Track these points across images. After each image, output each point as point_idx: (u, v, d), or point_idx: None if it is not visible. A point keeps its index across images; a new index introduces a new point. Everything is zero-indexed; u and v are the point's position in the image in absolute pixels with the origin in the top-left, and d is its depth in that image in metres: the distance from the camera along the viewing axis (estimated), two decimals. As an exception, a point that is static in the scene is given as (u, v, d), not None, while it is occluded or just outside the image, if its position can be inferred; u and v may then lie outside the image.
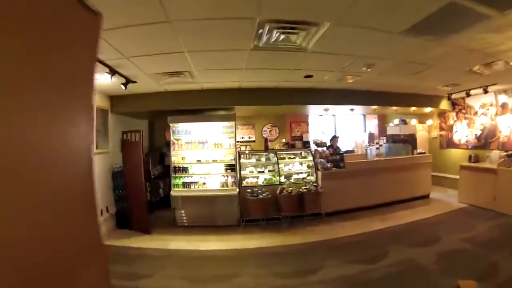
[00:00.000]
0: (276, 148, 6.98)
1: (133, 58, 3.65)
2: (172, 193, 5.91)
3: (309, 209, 5.65)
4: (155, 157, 7.76)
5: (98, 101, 5.56)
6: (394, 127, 9.05)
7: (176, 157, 6.21)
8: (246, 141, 8.93)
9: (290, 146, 6.71)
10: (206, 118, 6.32)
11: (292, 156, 6.44)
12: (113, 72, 3.99)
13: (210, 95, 5.79)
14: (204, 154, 6.20)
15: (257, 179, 6.12)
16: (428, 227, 5.29)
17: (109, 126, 5.95)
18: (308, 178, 6.16)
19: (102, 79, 4.17)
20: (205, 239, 5.17)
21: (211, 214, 5.78)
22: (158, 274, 3.95)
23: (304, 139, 7.17)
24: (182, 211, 5.89)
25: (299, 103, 6.29)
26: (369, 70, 4.51)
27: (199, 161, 6.16)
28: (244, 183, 6.01)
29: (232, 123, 6.16)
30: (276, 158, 6.25)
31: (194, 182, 6.00)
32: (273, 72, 4.62)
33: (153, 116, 7.59)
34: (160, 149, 7.79)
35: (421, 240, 4.59)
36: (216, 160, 6.13)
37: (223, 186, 5.95)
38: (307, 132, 8.32)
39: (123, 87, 4.67)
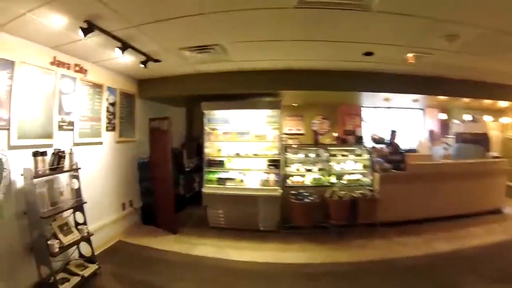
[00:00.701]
0: (327, 143, 6.01)
1: (144, 26, 2.97)
2: (204, 189, 5.23)
3: (363, 218, 4.68)
4: (191, 148, 7.18)
5: (122, 84, 5.02)
6: (460, 124, 7.66)
7: (211, 149, 5.52)
8: (294, 134, 7.96)
9: (342, 141, 5.72)
10: (247, 105, 5.41)
11: (345, 153, 5.42)
12: (125, 46, 3.33)
13: (250, 77, 4.89)
14: (244, 147, 5.42)
15: (304, 178, 5.24)
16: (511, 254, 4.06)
17: (136, 112, 5.41)
18: (363, 180, 5.17)
19: (118, 57, 3.56)
20: (236, 245, 4.45)
21: (248, 216, 5.01)
22: (172, 287, 3.29)
23: (356, 134, 6.11)
24: (215, 211, 5.18)
25: (356, 89, 5.23)
26: (449, 43, 3.41)
27: (237, 154, 5.40)
28: (288, 182, 5.16)
29: (277, 111, 5.32)
30: (327, 154, 5.30)
31: (230, 179, 5.26)
32: (325, 46, 3.66)
33: (191, 103, 6.96)
34: (197, 139, 7.10)
35: (503, 273, 3.42)
36: (257, 155, 5.34)
37: (263, 185, 5.14)
38: (360, 126, 7.21)
39: (142, 66, 4.02)
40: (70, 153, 3.50)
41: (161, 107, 6.13)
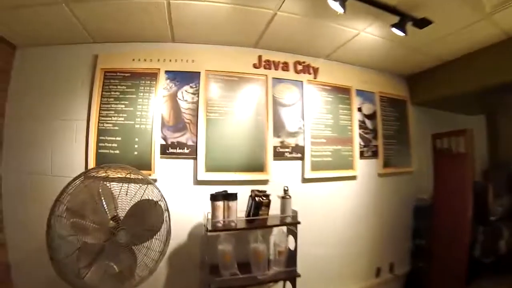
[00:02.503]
0: None
1: None
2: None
3: None
4: (499, 181, 4.06)
5: (382, 85, 3.27)
6: None
7: None
8: None
9: None
10: None
11: None
12: None
13: None
14: None
15: None
16: None
17: (410, 127, 3.42)
18: None
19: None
20: None
21: None
22: None
23: None
24: None
25: None
26: None
27: None
28: None
29: None
30: None
31: None
32: None
33: (493, 106, 4.05)
34: (508, 166, 3.97)
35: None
36: None
37: None
38: None
39: (399, 32, 2.09)
40: (285, 197, 2.17)
41: (444, 116, 3.74)
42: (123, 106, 2.42)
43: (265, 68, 2.73)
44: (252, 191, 2.34)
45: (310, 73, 2.86)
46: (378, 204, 3.12)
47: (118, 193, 1.72)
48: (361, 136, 3.01)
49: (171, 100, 2.48)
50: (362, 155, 2.99)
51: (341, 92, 2.97)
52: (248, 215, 2.27)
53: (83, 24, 2.20)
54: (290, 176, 2.68)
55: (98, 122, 2.36)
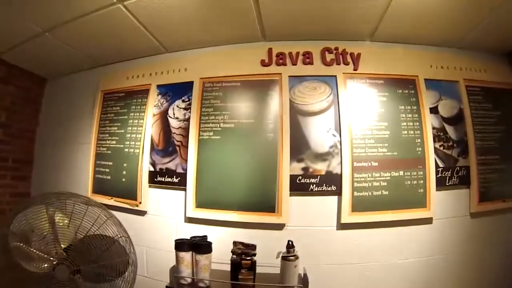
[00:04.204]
0: None
1: None
2: None
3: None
4: None
5: (475, 71, 2.13)
6: None
7: None
8: None
9: None
10: None
11: None
12: None
13: None
14: None
15: None
16: None
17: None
18: None
19: None
20: None
21: None
22: None
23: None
24: None
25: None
26: None
27: None
28: None
29: None
30: None
31: None
32: None
33: None
34: None
35: None
36: None
37: None
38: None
39: None
40: (287, 257, 1.49)
41: None
42: (116, 128, 2.20)
43: (278, 64, 1.94)
44: (235, 244, 1.60)
45: (347, 63, 1.90)
46: (470, 264, 1.93)
47: (65, 224, 1.51)
48: (438, 153, 1.91)
49: (162, 119, 2.07)
50: (441, 184, 1.88)
51: (402, 85, 1.93)
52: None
53: (84, 53, 2.27)
54: (318, 220, 1.78)
55: (96, 146, 2.24)
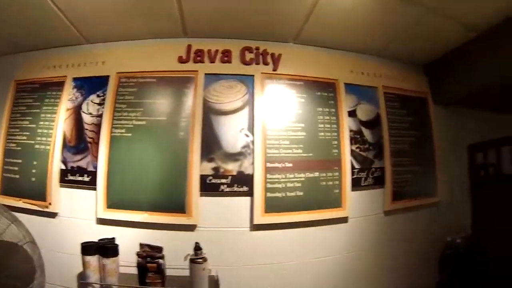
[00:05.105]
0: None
1: None
2: None
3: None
4: None
5: (388, 77, 2.23)
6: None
7: None
8: None
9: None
10: None
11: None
12: None
13: None
14: None
15: None
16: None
17: (434, 136, 2.31)
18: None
19: None
20: None
21: None
22: None
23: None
24: None
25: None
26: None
27: None
28: None
29: None
30: None
31: None
32: None
33: None
34: None
35: None
36: None
37: None
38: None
39: None
40: (195, 260, 1.45)
41: (486, 120, 2.55)
42: (27, 122, 1.98)
43: (195, 61, 1.88)
44: (141, 246, 1.51)
45: (266, 63, 1.88)
46: (384, 258, 2.01)
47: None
48: (355, 155, 1.94)
49: (75, 114, 1.91)
50: (357, 184, 1.92)
51: (321, 88, 1.94)
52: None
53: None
54: (231, 221, 1.73)
55: (6, 142, 1.98)
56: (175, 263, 1.49)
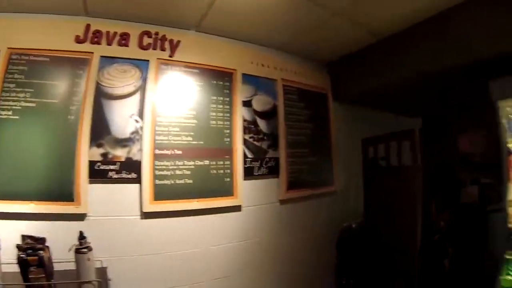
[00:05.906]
0: None
1: None
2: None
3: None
4: (440, 193, 3.21)
5: (290, 72, 2.37)
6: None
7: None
8: None
9: None
10: None
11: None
12: None
13: None
14: None
15: None
16: None
17: (332, 131, 2.51)
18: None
19: None
20: None
21: None
22: None
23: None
24: None
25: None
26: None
27: None
28: None
29: None
30: None
31: None
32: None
33: (434, 109, 3.08)
34: (450, 175, 3.07)
35: None
36: None
37: None
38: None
39: None
40: (80, 250, 1.37)
41: (378, 118, 2.82)
42: None
43: (92, 42, 1.81)
44: (23, 238, 1.38)
45: (164, 49, 1.91)
46: (281, 245, 2.18)
47: None
48: (248, 145, 2.07)
49: None
50: (250, 174, 2.06)
51: (218, 77, 2.02)
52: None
53: None
54: (121, 209, 1.73)
55: None
56: (65, 256, 1.38)
